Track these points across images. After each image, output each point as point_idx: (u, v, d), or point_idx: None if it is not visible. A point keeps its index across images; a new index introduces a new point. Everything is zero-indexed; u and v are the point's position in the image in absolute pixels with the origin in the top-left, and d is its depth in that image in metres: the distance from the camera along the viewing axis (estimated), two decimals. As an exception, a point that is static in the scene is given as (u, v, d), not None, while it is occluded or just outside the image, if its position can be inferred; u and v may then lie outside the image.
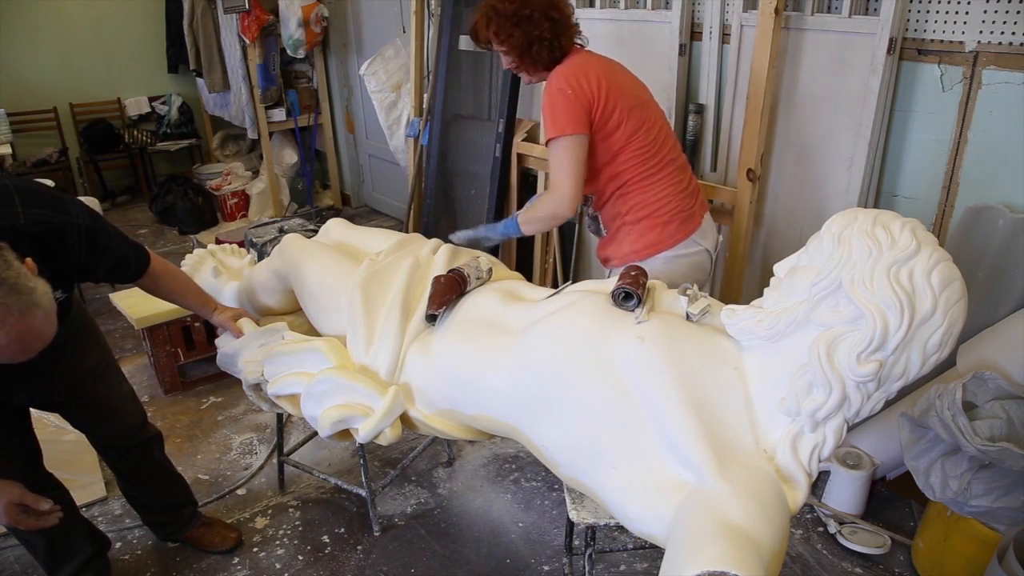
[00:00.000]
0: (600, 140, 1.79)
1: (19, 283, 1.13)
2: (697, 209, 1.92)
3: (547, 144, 1.76)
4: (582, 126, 1.73)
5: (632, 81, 1.87)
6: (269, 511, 2.22)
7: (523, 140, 3.15)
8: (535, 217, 1.87)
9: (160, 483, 1.96)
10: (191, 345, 2.87)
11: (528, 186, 3.20)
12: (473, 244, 1.97)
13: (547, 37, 1.77)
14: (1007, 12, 1.78)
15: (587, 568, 1.45)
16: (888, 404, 1.25)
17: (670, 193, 1.85)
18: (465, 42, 3.25)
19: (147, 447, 1.87)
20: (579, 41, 1.86)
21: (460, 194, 3.39)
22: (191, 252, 2.30)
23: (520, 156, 3.15)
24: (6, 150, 4.11)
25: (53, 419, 2.22)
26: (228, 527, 2.08)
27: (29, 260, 1.20)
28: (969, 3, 1.85)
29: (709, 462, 1.15)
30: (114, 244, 1.50)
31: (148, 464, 1.90)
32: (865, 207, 1.79)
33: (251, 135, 4.79)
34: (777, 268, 1.28)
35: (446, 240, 1.95)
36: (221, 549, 2.02)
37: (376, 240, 2.00)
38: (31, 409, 1.67)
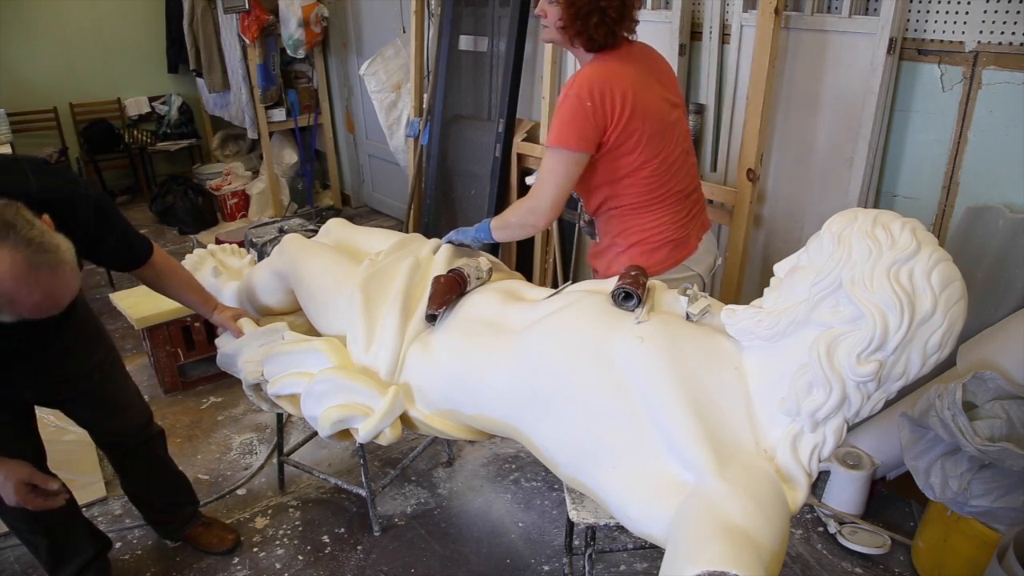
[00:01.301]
0: (607, 161, 1.66)
1: (45, 240, 1.18)
2: (694, 233, 1.81)
3: (547, 147, 1.65)
4: (588, 145, 1.60)
5: (664, 95, 1.71)
6: (269, 511, 2.22)
7: (523, 140, 3.15)
8: (508, 223, 1.75)
9: (163, 481, 1.96)
10: (191, 345, 2.87)
11: (528, 187, 3.20)
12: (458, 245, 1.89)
13: (612, 16, 1.59)
14: (1007, 12, 1.78)
15: (587, 568, 1.45)
16: (888, 404, 1.25)
17: (667, 222, 1.74)
18: (465, 42, 3.25)
19: (151, 445, 1.88)
20: (631, 37, 1.71)
21: (460, 194, 3.39)
22: (191, 252, 2.30)
23: (520, 156, 3.15)
24: (6, 150, 4.10)
25: (53, 418, 2.22)
26: (226, 528, 2.08)
27: (46, 217, 1.24)
28: (969, 3, 1.85)
29: (709, 462, 1.15)
30: (119, 223, 1.54)
31: (151, 462, 1.90)
32: (865, 207, 1.79)
33: (251, 135, 4.80)
34: (777, 268, 1.28)
35: (441, 241, 1.94)
36: (218, 550, 2.02)
37: (376, 240, 2.00)
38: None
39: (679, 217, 1.76)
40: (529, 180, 2.05)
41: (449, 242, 1.87)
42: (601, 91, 1.57)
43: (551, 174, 1.63)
